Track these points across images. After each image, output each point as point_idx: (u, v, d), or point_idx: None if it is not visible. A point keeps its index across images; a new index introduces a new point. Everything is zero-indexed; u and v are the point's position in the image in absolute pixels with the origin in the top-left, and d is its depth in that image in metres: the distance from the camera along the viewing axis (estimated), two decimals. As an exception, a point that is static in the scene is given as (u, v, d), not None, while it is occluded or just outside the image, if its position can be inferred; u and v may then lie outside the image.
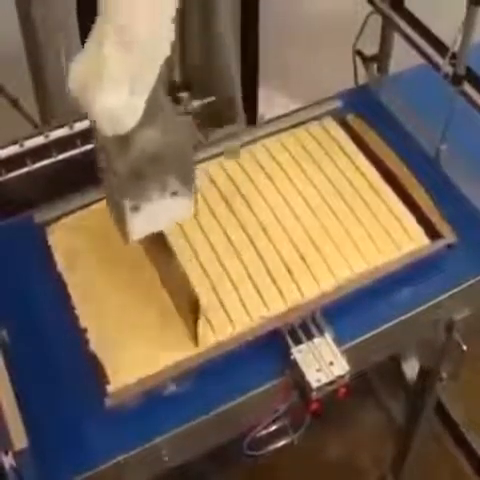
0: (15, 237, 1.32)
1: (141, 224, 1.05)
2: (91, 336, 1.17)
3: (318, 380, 1.14)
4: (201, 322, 1.16)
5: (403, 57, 1.57)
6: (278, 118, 1.50)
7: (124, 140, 0.97)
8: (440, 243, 1.30)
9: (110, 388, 1.12)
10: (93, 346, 1.16)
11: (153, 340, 1.17)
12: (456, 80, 1.37)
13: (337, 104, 1.51)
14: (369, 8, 1.54)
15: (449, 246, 1.30)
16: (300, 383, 1.16)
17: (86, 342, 1.17)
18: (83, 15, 1.37)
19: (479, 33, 1.33)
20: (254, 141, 1.44)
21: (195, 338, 1.16)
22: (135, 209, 1.02)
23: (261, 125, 1.50)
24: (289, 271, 1.25)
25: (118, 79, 0.91)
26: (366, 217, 1.33)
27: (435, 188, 1.37)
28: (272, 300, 1.22)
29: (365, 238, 1.30)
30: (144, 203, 1.02)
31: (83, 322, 1.19)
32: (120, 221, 1.06)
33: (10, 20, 1.38)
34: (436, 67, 1.41)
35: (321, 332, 1.18)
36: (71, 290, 1.23)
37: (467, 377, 1.54)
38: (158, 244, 1.18)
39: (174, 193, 1.04)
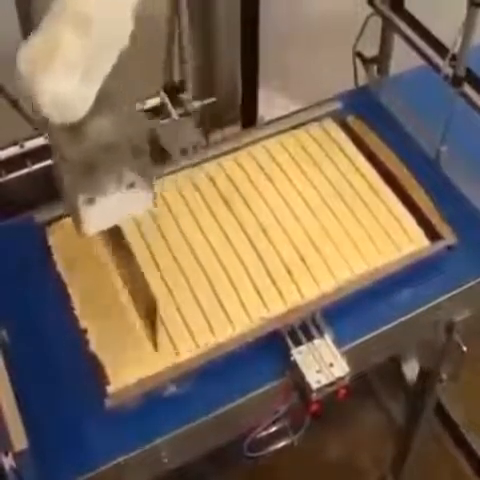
0: (15, 237, 1.32)
1: (96, 217, 0.99)
2: (91, 337, 1.17)
3: (318, 381, 1.14)
4: (160, 326, 1.15)
5: (403, 58, 1.57)
6: (278, 119, 1.49)
7: (76, 129, 0.92)
8: (440, 244, 1.30)
9: (110, 389, 1.12)
10: (93, 347, 1.16)
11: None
12: (456, 81, 1.37)
13: (337, 105, 1.51)
14: (369, 10, 1.54)
15: (449, 247, 1.30)
16: (300, 384, 1.16)
17: (86, 343, 1.17)
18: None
19: (479, 35, 1.33)
20: (254, 142, 1.44)
21: (154, 344, 1.15)
22: (89, 202, 0.97)
23: (261, 126, 1.50)
24: (289, 272, 1.25)
25: (71, 63, 0.88)
26: (366, 218, 1.33)
27: (435, 189, 1.37)
28: (272, 301, 1.22)
29: (365, 239, 1.30)
30: (99, 196, 0.97)
31: (83, 323, 1.19)
32: (74, 214, 1.00)
33: (10, 20, 1.37)
34: (436, 68, 1.41)
35: (321, 333, 1.18)
36: (71, 290, 1.23)
37: (467, 378, 1.54)
38: (117, 243, 1.15)
39: (131, 185, 0.99)
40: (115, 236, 1.11)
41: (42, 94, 0.88)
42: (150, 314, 1.14)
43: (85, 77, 0.89)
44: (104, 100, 0.92)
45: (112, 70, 0.91)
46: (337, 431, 2.04)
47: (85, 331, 1.18)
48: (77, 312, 1.21)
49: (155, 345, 1.15)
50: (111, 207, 0.99)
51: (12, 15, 1.37)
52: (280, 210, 1.33)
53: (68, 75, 0.88)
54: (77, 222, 1.00)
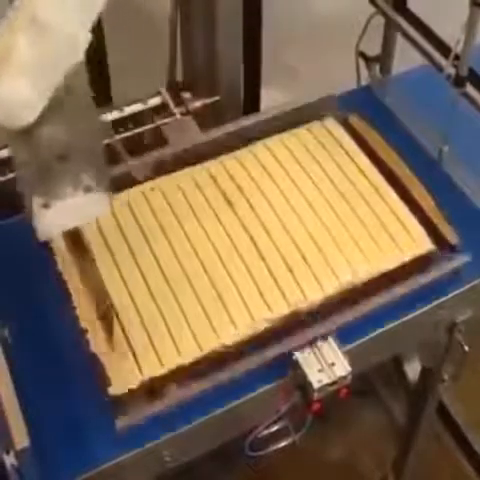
0: (17, 236, 1.32)
1: (52, 221, 0.99)
2: (91, 337, 1.17)
3: (320, 381, 1.14)
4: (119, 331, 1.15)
5: (406, 58, 1.57)
6: (279, 114, 1.48)
7: (28, 135, 0.93)
8: (442, 244, 1.30)
9: (111, 389, 1.12)
10: (93, 347, 1.16)
11: (155, 340, 1.17)
12: (458, 81, 1.37)
13: (339, 104, 1.50)
14: (372, 9, 1.54)
15: (451, 247, 1.30)
16: (302, 383, 1.16)
17: (87, 343, 1.17)
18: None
19: (482, 34, 1.33)
20: (254, 136, 1.44)
21: (111, 347, 1.14)
22: (45, 206, 0.97)
23: (261, 123, 1.48)
24: (291, 272, 1.25)
25: (21, 70, 0.88)
26: (368, 218, 1.32)
27: (437, 189, 1.36)
28: (274, 302, 1.21)
29: (367, 239, 1.30)
30: (55, 200, 0.97)
31: (83, 323, 1.19)
32: (31, 216, 0.99)
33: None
34: (439, 68, 1.41)
35: (323, 333, 1.18)
36: (71, 290, 1.23)
37: (469, 378, 1.54)
38: (77, 245, 1.14)
39: (87, 189, 0.98)
40: (73, 239, 1.10)
41: None
42: (108, 326, 1.14)
43: (35, 86, 0.89)
44: (55, 109, 0.92)
45: (64, 81, 0.91)
46: (339, 431, 2.04)
47: (85, 331, 1.18)
48: (77, 312, 1.20)
49: (112, 348, 1.14)
50: (67, 211, 0.99)
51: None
52: (282, 209, 1.33)
53: (19, 80, 0.88)
54: (34, 225, 0.99)
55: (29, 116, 0.91)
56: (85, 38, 0.91)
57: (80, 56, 0.91)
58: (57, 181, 0.96)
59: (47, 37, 0.88)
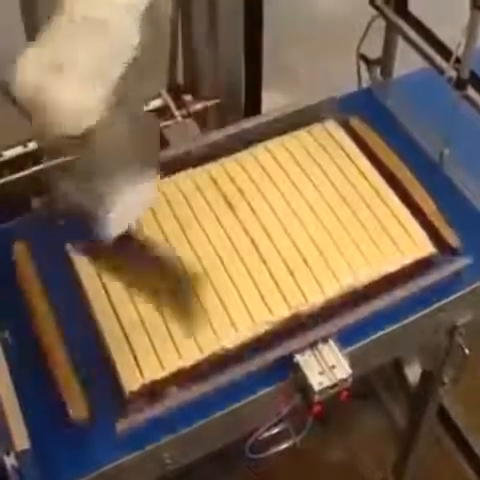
0: (17, 237, 1.32)
1: (118, 219, 1.00)
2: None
3: (320, 383, 1.14)
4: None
5: (407, 61, 1.57)
6: (280, 116, 1.48)
7: (88, 141, 0.92)
8: (443, 247, 1.30)
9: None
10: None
11: (156, 343, 1.17)
12: (460, 84, 1.37)
13: (340, 107, 1.50)
14: (373, 12, 1.54)
15: (452, 250, 1.30)
16: (303, 386, 1.16)
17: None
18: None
19: (483, 37, 1.33)
20: (254, 138, 1.44)
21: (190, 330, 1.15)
22: (111, 204, 0.97)
23: (262, 125, 1.48)
24: (292, 275, 1.25)
25: (81, 73, 0.88)
26: (369, 221, 1.32)
27: (439, 192, 1.36)
28: (275, 304, 1.21)
29: (368, 242, 1.30)
30: (118, 196, 0.97)
31: None
32: (92, 221, 1.00)
33: (14, 20, 1.38)
34: (440, 71, 1.41)
35: (324, 336, 1.18)
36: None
37: (469, 381, 1.54)
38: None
39: (143, 178, 0.99)
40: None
41: (53, 107, 0.88)
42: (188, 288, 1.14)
43: (94, 88, 0.89)
44: (113, 103, 0.91)
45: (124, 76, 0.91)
46: (339, 433, 2.04)
47: None
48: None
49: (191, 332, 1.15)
50: (128, 205, 1.00)
51: (16, 13, 1.38)
52: (283, 212, 1.33)
53: (77, 88, 0.88)
54: (95, 227, 0.99)
55: (92, 119, 0.90)
56: (137, 31, 0.90)
57: (134, 49, 0.90)
58: (118, 179, 0.96)
59: (105, 34, 0.88)
